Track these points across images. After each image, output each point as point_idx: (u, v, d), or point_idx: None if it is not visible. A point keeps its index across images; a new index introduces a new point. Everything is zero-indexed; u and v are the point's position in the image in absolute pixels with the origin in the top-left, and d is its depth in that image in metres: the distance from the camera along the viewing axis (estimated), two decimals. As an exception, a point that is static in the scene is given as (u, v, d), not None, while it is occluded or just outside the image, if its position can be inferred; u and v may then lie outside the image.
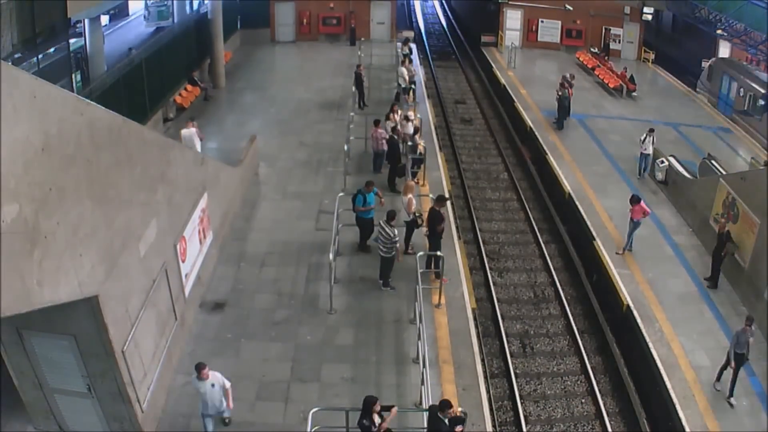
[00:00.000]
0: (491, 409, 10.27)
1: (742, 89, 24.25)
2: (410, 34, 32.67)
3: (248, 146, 15.91)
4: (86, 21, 16.38)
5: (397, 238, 11.32)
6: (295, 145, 18.07)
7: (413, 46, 30.42)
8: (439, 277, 11.55)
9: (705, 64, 26.27)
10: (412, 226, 12.58)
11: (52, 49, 15.36)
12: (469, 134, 23.57)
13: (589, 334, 13.23)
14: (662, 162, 17.68)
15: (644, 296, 12.83)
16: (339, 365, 9.82)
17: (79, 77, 16.56)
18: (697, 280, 13.47)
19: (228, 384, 8.17)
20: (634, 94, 25.77)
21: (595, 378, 11.86)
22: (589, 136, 21.20)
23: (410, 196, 12.66)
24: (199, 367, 7.93)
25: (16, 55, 13.55)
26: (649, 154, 17.89)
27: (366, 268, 12.30)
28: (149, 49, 19.15)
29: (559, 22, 31.83)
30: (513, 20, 32.16)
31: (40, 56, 14.37)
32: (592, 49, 29.87)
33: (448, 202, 14.78)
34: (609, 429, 10.71)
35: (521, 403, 11.22)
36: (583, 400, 11.49)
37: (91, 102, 6.75)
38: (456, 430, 7.34)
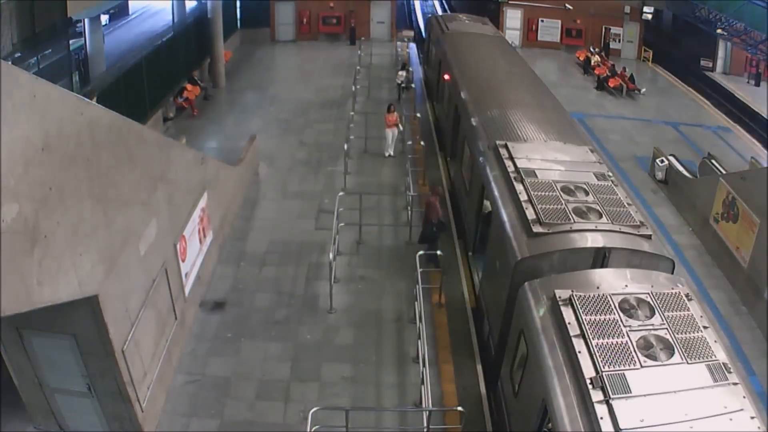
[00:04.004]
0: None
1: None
2: (410, 33, 32.66)
3: (248, 145, 15.90)
4: (86, 21, 16.39)
5: None
6: (295, 145, 18.06)
7: (412, 44, 30.50)
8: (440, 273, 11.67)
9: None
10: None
11: (50, 50, 15.37)
12: (469, 134, 23.52)
13: (589, 334, 13.20)
14: (662, 161, 17.68)
15: (644, 296, 12.81)
16: (339, 365, 9.82)
17: (77, 78, 16.55)
18: (697, 280, 13.46)
19: None
20: (642, 91, 25.72)
21: (595, 377, 11.84)
22: (589, 135, 21.18)
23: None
24: None
25: (17, 55, 13.56)
26: None
27: (366, 267, 12.31)
28: (148, 49, 19.15)
29: (559, 22, 31.84)
30: (513, 20, 32.16)
31: (39, 56, 14.39)
32: (591, 49, 29.87)
33: (448, 201, 14.77)
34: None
35: (521, 403, 11.21)
36: (583, 400, 11.47)
37: (91, 101, 6.75)
38: None
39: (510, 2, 31.71)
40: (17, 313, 5.28)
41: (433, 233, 12.22)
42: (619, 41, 31.87)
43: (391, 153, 17.19)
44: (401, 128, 17.04)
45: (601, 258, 8.22)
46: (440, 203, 12.84)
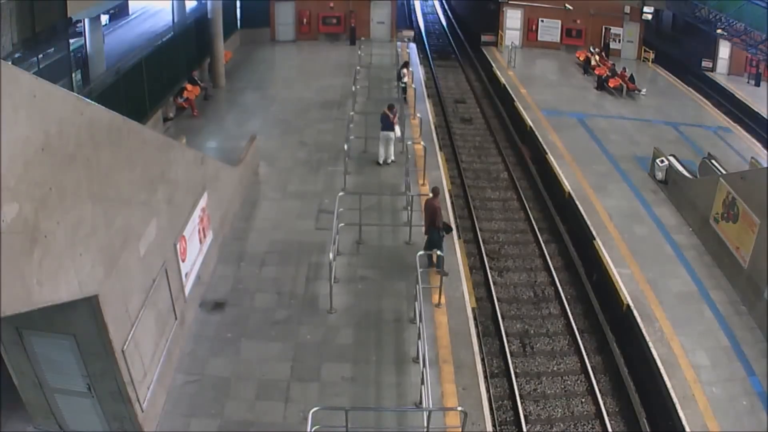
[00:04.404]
0: (491, 409, 10.27)
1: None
2: (410, 33, 32.68)
3: (248, 145, 15.91)
4: (86, 21, 16.38)
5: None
6: (295, 145, 18.07)
7: (413, 45, 30.54)
8: (441, 275, 11.62)
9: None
10: None
11: (51, 50, 15.35)
12: (469, 134, 23.57)
13: (589, 334, 13.23)
14: (662, 161, 17.69)
15: (644, 296, 12.83)
16: (339, 365, 9.82)
17: (79, 76, 16.56)
18: (697, 280, 13.47)
19: None
20: (643, 92, 25.73)
21: (595, 377, 11.87)
22: (589, 135, 21.20)
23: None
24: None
25: (17, 55, 13.56)
26: None
27: (366, 267, 12.31)
28: (148, 50, 19.15)
29: (559, 22, 31.84)
30: (513, 20, 32.17)
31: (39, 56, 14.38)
32: (591, 49, 29.88)
33: (447, 201, 14.80)
34: (609, 428, 10.72)
35: (521, 403, 11.23)
36: (583, 400, 11.49)
37: (92, 101, 6.75)
38: None
39: (510, 2, 31.72)
40: (17, 313, 5.28)
41: (441, 237, 12.17)
42: (619, 41, 31.87)
43: (393, 158, 16.85)
44: (398, 133, 16.89)
45: None
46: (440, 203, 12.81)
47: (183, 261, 9.84)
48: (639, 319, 12.09)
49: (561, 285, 14.58)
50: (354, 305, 11.24)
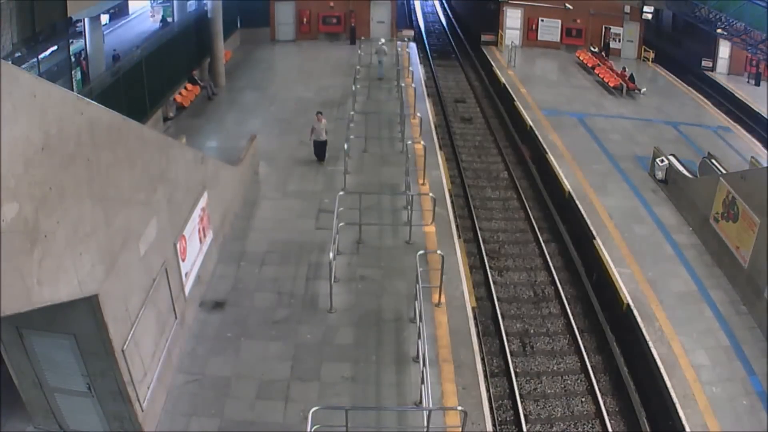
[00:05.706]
0: (491, 408, 10.27)
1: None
2: (410, 33, 32.70)
3: (248, 145, 15.91)
4: (86, 20, 16.39)
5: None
6: (295, 144, 18.05)
7: (413, 45, 30.49)
8: None
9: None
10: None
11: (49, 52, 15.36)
12: (469, 133, 23.57)
13: (589, 333, 13.23)
14: (662, 161, 17.69)
15: (644, 295, 12.83)
16: (339, 364, 9.82)
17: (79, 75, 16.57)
18: (697, 280, 13.47)
19: None
20: (643, 91, 25.73)
21: (595, 377, 11.87)
22: (590, 135, 21.20)
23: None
24: None
25: (17, 55, 13.57)
26: None
27: (366, 267, 12.31)
28: (149, 48, 19.14)
29: (559, 21, 31.88)
30: (513, 19, 32.20)
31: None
32: (591, 48, 29.90)
33: (448, 200, 14.79)
34: (609, 428, 10.72)
35: (521, 402, 11.23)
36: (583, 399, 11.50)
37: (91, 101, 6.75)
38: None
39: (510, 2, 31.73)
40: (17, 313, 5.28)
41: None
42: (620, 41, 31.91)
43: None
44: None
45: None
46: None
47: (183, 260, 9.84)
48: (639, 319, 12.09)
49: (561, 284, 14.58)
50: (354, 305, 11.24)
